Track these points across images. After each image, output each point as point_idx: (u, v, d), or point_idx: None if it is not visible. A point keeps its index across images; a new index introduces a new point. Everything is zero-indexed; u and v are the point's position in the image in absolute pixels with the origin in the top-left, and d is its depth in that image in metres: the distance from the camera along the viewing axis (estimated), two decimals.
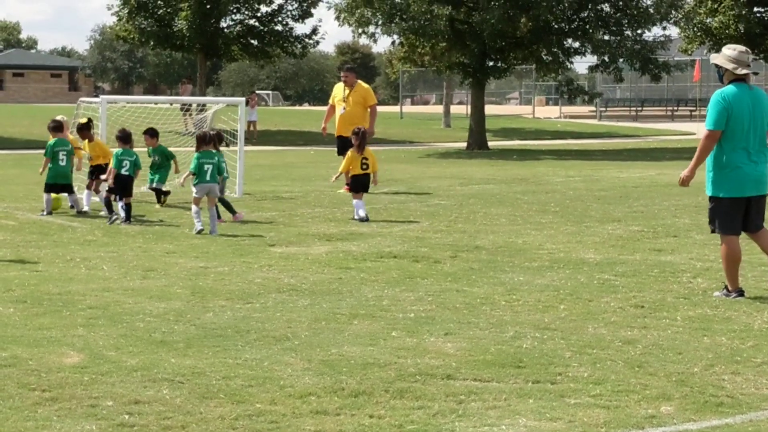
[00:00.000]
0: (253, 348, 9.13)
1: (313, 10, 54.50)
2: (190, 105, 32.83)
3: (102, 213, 18.21)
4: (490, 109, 54.15)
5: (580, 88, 50.26)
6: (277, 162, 34.30)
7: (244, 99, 24.01)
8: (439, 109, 66.64)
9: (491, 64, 45.10)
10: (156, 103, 29.35)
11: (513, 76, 70.56)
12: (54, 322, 10.04)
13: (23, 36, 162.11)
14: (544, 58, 44.97)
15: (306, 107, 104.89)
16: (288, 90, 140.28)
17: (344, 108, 23.15)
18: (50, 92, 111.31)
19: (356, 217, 17.97)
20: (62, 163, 18.61)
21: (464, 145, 45.30)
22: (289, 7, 54.37)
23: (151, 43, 54.27)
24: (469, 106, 51.67)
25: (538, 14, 40.74)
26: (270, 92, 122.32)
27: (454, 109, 65.98)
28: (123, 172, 17.68)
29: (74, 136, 19.90)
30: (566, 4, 42.83)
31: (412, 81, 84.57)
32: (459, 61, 44.72)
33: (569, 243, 15.57)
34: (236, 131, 23.09)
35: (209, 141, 17.26)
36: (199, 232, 16.18)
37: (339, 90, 23.61)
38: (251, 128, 46.93)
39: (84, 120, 19.92)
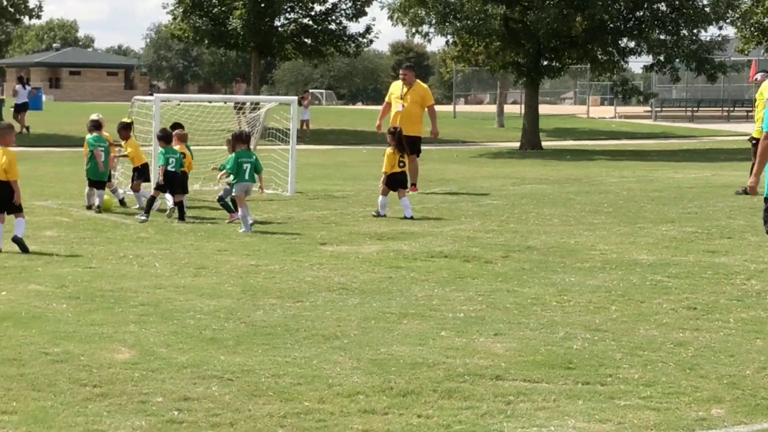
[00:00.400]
0: (302, 346, 9.15)
1: (367, 9, 54.48)
2: (244, 103, 32.93)
3: (135, 208, 18.50)
4: (544, 109, 53.91)
5: (634, 88, 49.96)
6: (330, 161, 34.36)
7: (296, 98, 24.07)
8: (493, 108, 66.46)
9: (546, 63, 44.89)
10: (210, 102, 29.49)
11: (567, 75, 70.30)
12: (106, 319, 10.11)
13: (80, 35, 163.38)
14: (599, 57, 44.70)
15: (359, 106, 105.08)
16: (341, 89, 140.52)
17: (402, 106, 23.06)
18: (106, 90, 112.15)
19: (381, 213, 18.22)
20: (99, 160, 18.73)
21: (517, 144, 45.15)
22: (343, 6, 54.40)
23: (206, 41, 54.48)
24: (522, 106, 51.45)
25: (594, 13, 40.51)
26: (323, 91, 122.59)
27: (508, 108, 65.77)
28: (169, 168, 17.76)
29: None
30: (622, 3, 42.58)
31: (466, 80, 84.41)
32: (513, 60, 44.56)
33: (622, 244, 15.47)
34: (289, 130, 23.15)
35: (246, 140, 17.38)
36: (250, 226, 16.29)
37: (397, 88, 23.53)
38: (304, 127, 47.06)
39: (128, 120, 20.13)
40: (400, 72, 24.02)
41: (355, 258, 13.98)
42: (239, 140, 17.26)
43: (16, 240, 13.99)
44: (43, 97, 70.75)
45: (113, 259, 13.65)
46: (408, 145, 22.81)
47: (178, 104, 25.17)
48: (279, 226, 17.00)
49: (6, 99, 56.22)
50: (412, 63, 33.07)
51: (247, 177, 16.91)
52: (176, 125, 19.62)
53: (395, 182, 18.62)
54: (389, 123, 23.17)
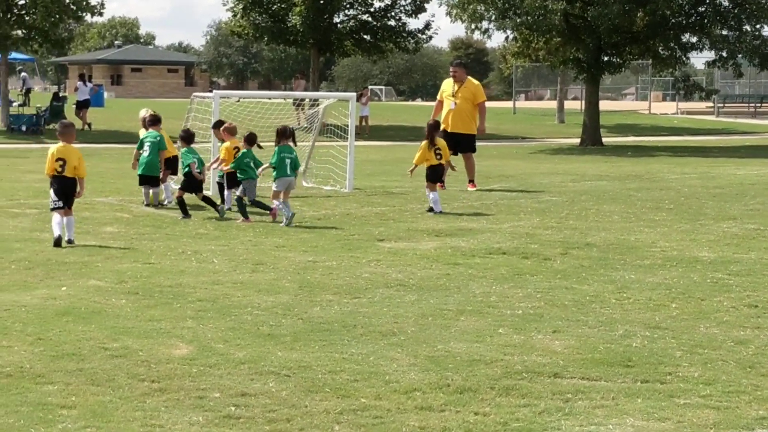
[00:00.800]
0: (359, 343, 9.14)
1: (426, 5, 54.41)
2: (303, 100, 32.99)
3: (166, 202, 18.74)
4: (605, 105, 53.58)
5: (696, 84, 49.48)
6: (388, 157, 34.33)
7: (355, 94, 24.05)
8: (553, 104, 66.14)
9: (606, 59, 44.57)
10: (269, 98, 29.58)
11: (629, 71, 69.75)
12: (164, 314, 10.16)
13: (142, 32, 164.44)
14: (661, 53, 44.35)
15: (419, 102, 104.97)
16: (401, 85, 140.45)
17: (454, 104, 22.99)
18: (167, 87, 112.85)
19: (436, 210, 18.22)
20: (146, 154, 18.78)
21: (578, 141, 44.90)
22: (403, 2, 54.37)
23: (265, 38, 54.69)
24: (583, 102, 51.21)
25: (655, 8, 40.18)
26: (383, 87, 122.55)
27: (569, 104, 65.41)
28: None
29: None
30: None
31: (526, 76, 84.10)
32: (574, 56, 44.33)
33: (683, 241, 15.34)
34: (347, 126, 23.16)
35: (289, 135, 17.48)
36: (290, 219, 16.44)
37: (448, 85, 23.43)
38: (363, 123, 47.08)
39: (144, 112, 20.27)
40: (450, 69, 23.91)
41: (413, 254, 13.96)
42: (283, 135, 17.44)
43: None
44: (105, 94, 71.32)
45: (172, 254, 13.72)
46: (462, 143, 22.83)
47: (238, 101, 25.29)
48: (337, 222, 17.01)
49: (68, 96, 56.71)
50: (469, 60, 32.98)
51: (288, 171, 17.11)
52: (219, 123, 19.61)
53: (435, 174, 18.86)
54: (443, 121, 23.09)
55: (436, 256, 13.86)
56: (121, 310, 10.37)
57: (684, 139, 50.02)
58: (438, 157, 18.97)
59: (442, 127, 22.71)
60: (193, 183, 17.71)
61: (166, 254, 13.74)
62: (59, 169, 14.48)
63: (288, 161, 17.11)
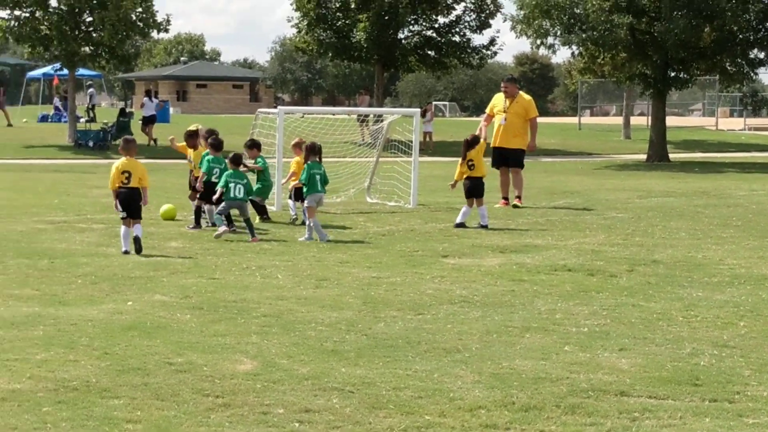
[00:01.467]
0: (423, 359, 9.11)
1: (491, 21, 54.35)
2: (367, 116, 33.04)
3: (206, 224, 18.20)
4: (671, 121, 53.17)
5: (764, 99, 49.02)
6: (452, 173, 34.14)
7: (419, 110, 24.02)
8: (619, 120, 65.72)
9: (673, 74, 44.25)
10: (333, 114, 29.65)
11: (696, 87, 69.20)
12: (229, 330, 10.19)
13: (207, 48, 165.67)
14: (728, 68, 43.96)
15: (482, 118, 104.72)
16: (465, 101, 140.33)
17: (504, 119, 22.82)
18: (232, 103, 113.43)
19: (459, 221, 18.41)
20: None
21: (644, 157, 44.60)
22: (467, 18, 54.34)
23: (330, 54, 54.83)
24: (649, 118, 50.82)
25: (723, 24, 39.85)
26: (446, 103, 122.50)
27: (634, 120, 64.98)
28: (213, 179, 17.83)
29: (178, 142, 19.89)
30: (752, 14, 41.79)
31: (591, 92, 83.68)
32: (640, 71, 44.07)
33: (751, 258, 15.16)
34: (411, 142, 23.14)
35: (318, 151, 17.54)
36: (327, 240, 16.46)
37: (499, 100, 23.22)
38: (427, 139, 47.04)
39: (194, 127, 20.04)
40: (502, 85, 23.64)
41: (477, 271, 13.90)
42: (312, 152, 17.47)
43: (137, 239, 15.02)
44: (171, 110, 71.86)
45: (236, 270, 13.76)
46: (510, 158, 22.74)
47: (302, 116, 25.33)
48: (401, 238, 16.99)
49: (135, 112, 57.21)
50: (534, 75, 32.83)
51: (319, 188, 17.13)
52: (252, 142, 19.57)
53: (474, 188, 18.92)
54: (492, 136, 22.98)
55: (501, 272, 13.79)
56: (185, 325, 10.41)
57: (752, 155, 49.53)
58: (471, 168, 19.03)
59: (490, 143, 22.72)
60: (210, 192, 17.72)
61: (230, 269, 13.79)
62: (125, 181, 15.20)
63: (318, 177, 17.16)
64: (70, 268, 13.62)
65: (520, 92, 23.27)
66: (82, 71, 58.12)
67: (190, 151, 19.22)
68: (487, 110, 23.73)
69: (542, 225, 18.91)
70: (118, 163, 15.43)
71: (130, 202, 15.19)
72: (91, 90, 59.28)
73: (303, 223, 17.52)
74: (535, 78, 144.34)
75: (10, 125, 55.96)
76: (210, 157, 18.07)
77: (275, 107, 26.12)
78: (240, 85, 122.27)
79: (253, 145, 19.53)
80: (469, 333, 10.16)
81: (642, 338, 10.04)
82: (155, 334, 9.91)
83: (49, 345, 9.43)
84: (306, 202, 17.12)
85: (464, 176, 19.22)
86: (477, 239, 16.94)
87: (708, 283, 13.15)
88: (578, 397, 8.00)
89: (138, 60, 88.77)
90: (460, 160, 19.42)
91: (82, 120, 49.92)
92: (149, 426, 7.23)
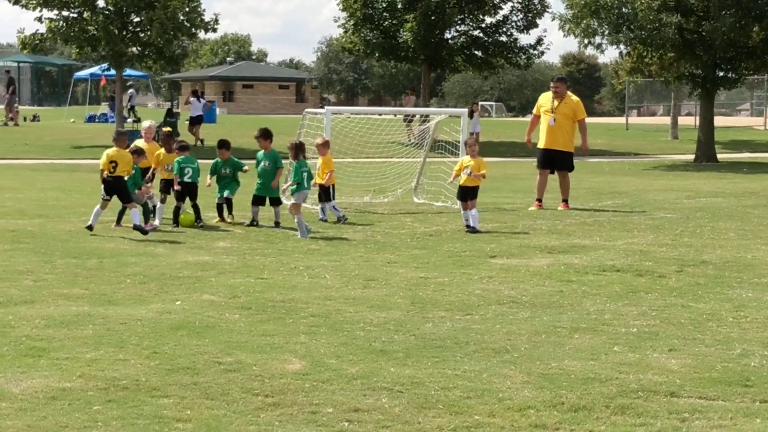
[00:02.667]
0: (472, 359, 9.09)
1: (538, 21, 54.23)
2: (413, 116, 33.02)
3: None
4: (719, 121, 52.83)
5: None
6: (499, 173, 34.19)
7: (466, 110, 23.98)
8: (667, 120, 65.44)
9: (721, 74, 43.99)
10: (380, 114, 29.68)
11: (744, 86, 68.79)
12: (277, 329, 10.21)
13: (253, 48, 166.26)
14: None
15: (529, 118, 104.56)
16: (511, 101, 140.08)
17: (554, 120, 22.47)
18: (278, 103, 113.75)
19: (475, 226, 18.01)
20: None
21: (692, 157, 44.36)
22: (514, 18, 54.24)
23: (376, 54, 54.84)
24: (697, 118, 50.54)
25: None
26: (493, 103, 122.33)
27: (682, 120, 64.68)
28: (186, 179, 18.22)
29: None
30: None
31: (639, 92, 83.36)
32: (688, 71, 43.82)
33: None
34: (458, 142, 23.12)
35: (304, 149, 17.95)
36: (308, 235, 16.74)
37: (547, 100, 22.83)
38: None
39: (168, 129, 20.46)
40: (552, 84, 23.20)
41: (525, 271, 13.87)
42: (300, 150, 17.81)
43: (137, 227, 16.68)
44: (217, 110, 72.16)
45: (284, 270, 13.80)
46: (559, 160, 22.45)
47: (349, 117, 25.37)
48: (448, 239, 16.98)
49: (181, 112, 57.49)
50: (581, 75, 32.66)
51: (306, 185, 17.53)
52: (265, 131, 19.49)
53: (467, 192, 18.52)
54: (540, 137, 22.80)
55: (549, 273, 13.75)
56: (234, 324, 10.45)
57: None
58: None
59: (539, 144, 22.54)
60: (188, 192, 18.20)
61: (278, 269, 13.83)
62: (112, 170, 16.93)
63: (305, 175, 17.50)
64: (118, 268, 13.71)
65: (569, 93, 23.00)
66: (129, 71, 58.52)
67: (161, 152, 19.07)
68: (534, 110, 23.50)
69: (590, 225, 18.84)
70: (109, 151, 17.06)
71: (115, 189, 16.94)
72: (131, 91, 59.65)
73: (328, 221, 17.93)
74: (582, 78, 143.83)
75: (5, 125, 56.10)
76: (180, 158, 18.38)
77: (321, 107, 26.12)
78: (286, 86, 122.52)
79: (223, 146, 19.35)
80: (517, 333, 10.14)
81: (692, 339, 9.99)
82: (204, 334, 9.95)
83: (99, 344, 9.49)
84: (294, 198, 17.34)
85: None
86: (525, 239, 16.90)
87: (758, 283, 13.06)
88: (628, 397, 7.97)
89: (185, 60, 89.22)
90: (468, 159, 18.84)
91: (128, 120, 50.25)
92: (199, 425, 7.26)
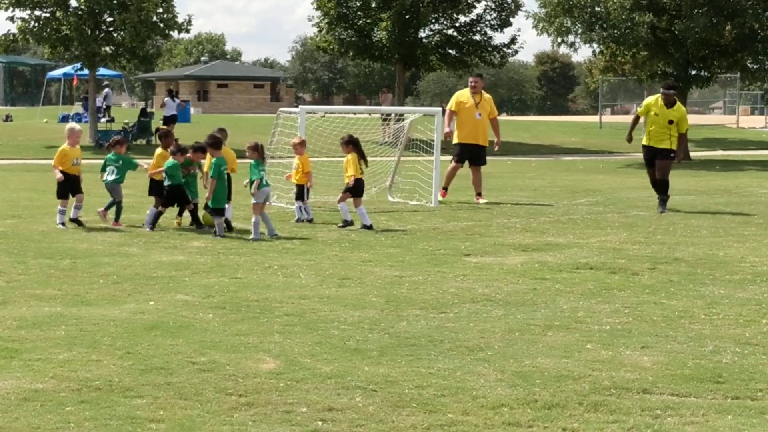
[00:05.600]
0: (446, 358, 9.11)
1: (512, 20, 54.32)
2: (390, 114, 33.04)
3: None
4: (692, 119, 52.90)
5: None
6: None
7: (440, 109, 23.98)
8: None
9: (694, 72, 44.21)
10: (354, 113, 29.66)
11: (717, 85, 69.08)
12: (251, 329, 10.20)
13: (228, 48, 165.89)
14: (749, 66, 43.88)
15: (504, 117, 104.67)
16: None
17: (479, 114, 23.01)
18: (253, 102, 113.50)
19: (366, 223, 17.86)
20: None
21: None
22: (488, 17, 54.31)
23: (351, 53, 54.83)
24: None
25: (744, 21, 39.78)
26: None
27: None
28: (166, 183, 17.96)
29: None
30: None
31: (612, 90, 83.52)
32: (661, 69, 43.99)
33: None
34: (433, 141, 23.15)
35: (261, 150, 17.72)
36: (258, 239, 16.54)
37: (466, 96, 23.34)
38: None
39: (164, 127, 20.23)
40: (471, 79, 23.71)
41: (500, 269, 13.90)
42: (257, 150, 17.51)
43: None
44: (191, 110, 71.95)
45: (259, 269, 13.79)
46: (478, 155, 22.80)
47: (323, 116, 25.35)
48: (423, 237, 17.00)
49: (155, 112, 57.33)
50: (555, 74, 32.73)
51: (265, 183, 17.30)
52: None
53: (360, 188, 18.43)
54: (458, 132, 23.07)
55: (523, 270, 13.79)
56: (208, 324, 10.44)
57: None
58: (361, 171, 18.53)
59: (456, 139, 22.69)
60: (173, 197, 17.93)
61: (253, 269, 13.82)
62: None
63: (263, 173, 17.34)
64: (92, 268, 13.67)
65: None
66: (102, 71, 58.29)
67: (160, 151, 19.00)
68: (451, 106, 23.66)
69: (564, 223, 18.90)
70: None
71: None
72: (107, 90, 59.42)
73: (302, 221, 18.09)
74: (556, 77, 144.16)
75: None
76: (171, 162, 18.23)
77: (296, 107, 26.06)
78: (261, 85, 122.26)
79: (198, 149, 18.88)
80: (491, 331, 10.17)
81: (664, 336, 10.03)
82: (178, 334, 9.94)
83: (72, 345, 9.47)
84: (255, 198, 17.00)
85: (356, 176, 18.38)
86: (499, 237, 16.93)
87: (730, 280, 13.12)
88: (600, 394, 8.00)
89: (159, 60, 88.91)
90: (353, 157, 18.39)
91: (102, 120, 50.08)
92: (172, 425, 7.25)
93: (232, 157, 18.33)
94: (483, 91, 23.47)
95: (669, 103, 21.25)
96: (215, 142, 17.88)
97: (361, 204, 18.22)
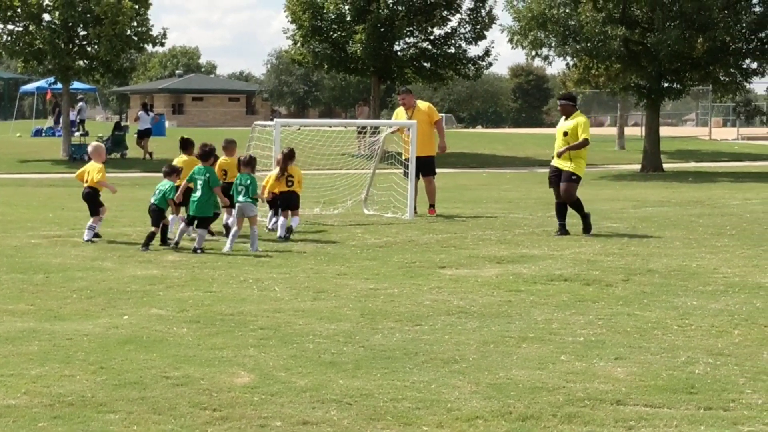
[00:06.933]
0: (421, 370, 9.12)
1: (486, 32, 54.49)
2: (365, 127, 33.10)
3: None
4: (665, 131, 53.33)
5: (758, 109, 49.22)
6: (449, 184, 34.29)
7: (415, 122, 23.99)
8: (613, 130, 65.94)
9: (666, 85, 44.44)
10: (330, 126, 29.69)
11: (689, 97, 69.42)
12: (226, 342, 10.19)
13: (203, 61, 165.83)
14: (722, 78, 44.14)
15: (479, 129, 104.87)
16: (462, 112, 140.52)
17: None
18: (228, 116, 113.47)
19: (282, 234, 18.30)
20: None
21: (638, 167, 44.74)
22: (463, 30, 54.46)
23: (326, 66, 54.90)
24: (643, 128, 50.94)
25: (715, 34, 40.01)
26: (443, 115, 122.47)
27: (629, 130, 65.18)
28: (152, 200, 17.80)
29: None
30: (744, 24, 42.00)
31: (586, 102, 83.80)
32: (634, 82, 44.20)
33: (745, 267, 15.19)
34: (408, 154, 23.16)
35: (249, 163, 17.76)
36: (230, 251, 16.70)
37: (402, 114, 23.53)
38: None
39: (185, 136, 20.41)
40: (399, 98, 24.05)
41: (475, 281, 13.92)
42: (242, 163, 17.77)
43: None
44: (166, 123, 71.88)
45: (233, 282, 13.77)
46: (423, 166, 22.84)
47: (298, 129, 25.37)
48: (398, 250, 17.01)
49: (129, 125, 57.24)
50: (529, 86, 32.91)
51: (241, 198, 17.34)
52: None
53: (289, 202, 18.94)
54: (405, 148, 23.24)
55: (498, 283, 13.82)
56: (182, 338, 10.42)
57: (745, 164, 49.66)
58: (289, 184, 18.99)
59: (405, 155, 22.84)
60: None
61: (228, 282, 13.80)
62: (223, 177, 17.98)
63: (242, 189, 17.39)
64: (65, 283, 13.63)
65: (417, 100, 23.57)
66: (76, 85, 58.15)
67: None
68: (394, 128, 23.89)
69: (538, 235, 18.95)
70: (220, 160, 18.50)
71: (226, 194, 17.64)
72: (81, 104, 59.26)
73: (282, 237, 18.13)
74: (531, 89, 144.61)
75: None
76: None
77: (272, 120, 26.06)
78: (236, 98, 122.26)
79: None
80: (466, 343, 10.18)
81: (637, 347, 10.06)
82: (152, 348, 9.92)
83: (45, 360, 9.43)
84: (236, 212, 17.26)
85: (276, 190, 19.06)
86: (474, 250, 16.96)
87: (703, 291, 13.18)
88: (575, 406, 8.02)
89: (133, 73, 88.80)
90: (276, 172, 19.09)
91: (76, 134, 49.94)
92: None
93: (232, 165, 18.60)
94: (418, 102, 23.53)
95: (565, 115, 20.76)
96: (202, 154, 17.92)
97: (289, 216, 18.84)
